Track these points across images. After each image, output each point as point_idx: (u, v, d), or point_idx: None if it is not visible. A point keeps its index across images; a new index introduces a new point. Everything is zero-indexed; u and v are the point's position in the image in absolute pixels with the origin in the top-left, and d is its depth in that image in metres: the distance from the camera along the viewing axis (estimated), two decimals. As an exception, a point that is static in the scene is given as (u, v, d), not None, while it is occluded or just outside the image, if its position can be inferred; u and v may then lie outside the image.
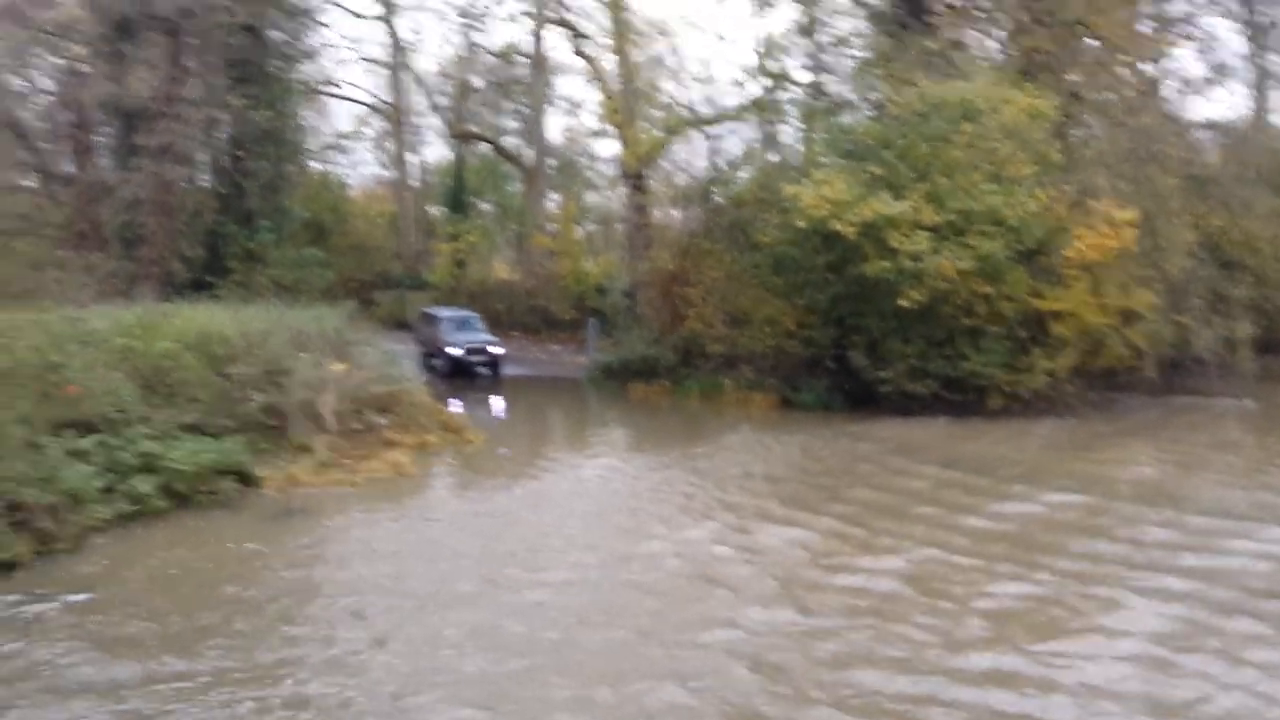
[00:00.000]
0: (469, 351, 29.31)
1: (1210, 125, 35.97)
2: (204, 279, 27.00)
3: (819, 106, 34.40)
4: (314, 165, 44.59)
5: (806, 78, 35.58)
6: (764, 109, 36.45)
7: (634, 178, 36.65)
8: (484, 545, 12.91)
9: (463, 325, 30.71)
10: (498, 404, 26.36)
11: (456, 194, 43.95)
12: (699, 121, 38.39)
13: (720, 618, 10.23)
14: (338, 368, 18.22)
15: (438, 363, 29.51)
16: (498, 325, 37.51)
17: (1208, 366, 24.83)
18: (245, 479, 15.59)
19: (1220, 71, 36.79)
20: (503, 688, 8.57)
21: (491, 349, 29.70)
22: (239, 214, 29.51)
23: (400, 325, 35.68)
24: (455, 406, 22.63)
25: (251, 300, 22.06)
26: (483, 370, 29.34)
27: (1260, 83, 41.16)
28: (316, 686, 8.64)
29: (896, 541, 12.87)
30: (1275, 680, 8.65)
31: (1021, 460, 18.06)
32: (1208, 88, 38.35)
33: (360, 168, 54.76)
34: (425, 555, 12.53)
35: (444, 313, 31.65)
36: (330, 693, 8.52)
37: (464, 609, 10.48)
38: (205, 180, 30.86)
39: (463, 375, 28.82)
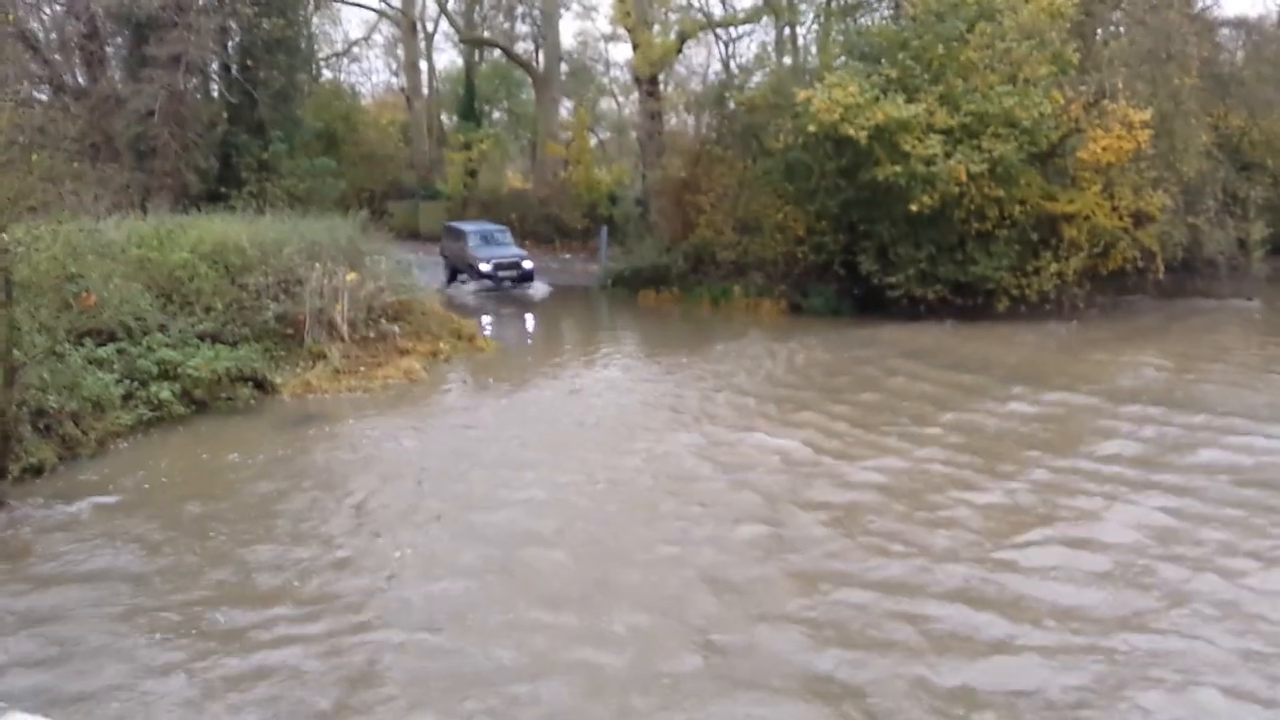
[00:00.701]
0: (499, 266, 28.18)
1: (1236, 23, 35.11)
2: (218, 190, 27.19)
3: (835, 7, 33.76)
4: (325, 74, 44.38)
5: (823, -23, 34.80)
6: (779, 11, 35.79)
7: (647, 83, 36.15)
8: (490, 450, 13.25)
9: (491, 239, 29.53)
10: (530, 321, 25.89)
11: (468, 102, 43.59)
12: (713, 24, 37.79)
13: (710, 514, 10.62)
14: (351, 277, 18.48)
15: (466, 278, 28.82)
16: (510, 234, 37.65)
17: (1218, 268, 24.81)
18: (262, 386, 16.06)
19: (1249, -34, 35.77)
20: (462, 596, 8.86)
21: (524, 263, 28.60)
22: (251, 124, 29.57)
23: (413, 235, 35.79)
24: (486, 324, 23.16)
25: (265, 210, 22.25)
26: (512, 285, 28.33)
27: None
28: (306, 585, 9.07)
29: (896, 442, 13.20)
30: (1248, 562, 9.03)
31: (1025, 362, 18.26)
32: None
33: (372, 76, 54.53)
34: (428, 463, 12.85)
35: (470, 227, 30.40)
36: (313, 590, 8.96)
37: (464, 515, 10.90)
38: (217, 91, 30.86)
39: (491, 289, 28.31)
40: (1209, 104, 26.32)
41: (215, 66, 30.25)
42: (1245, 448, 12.45)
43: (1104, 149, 22.10)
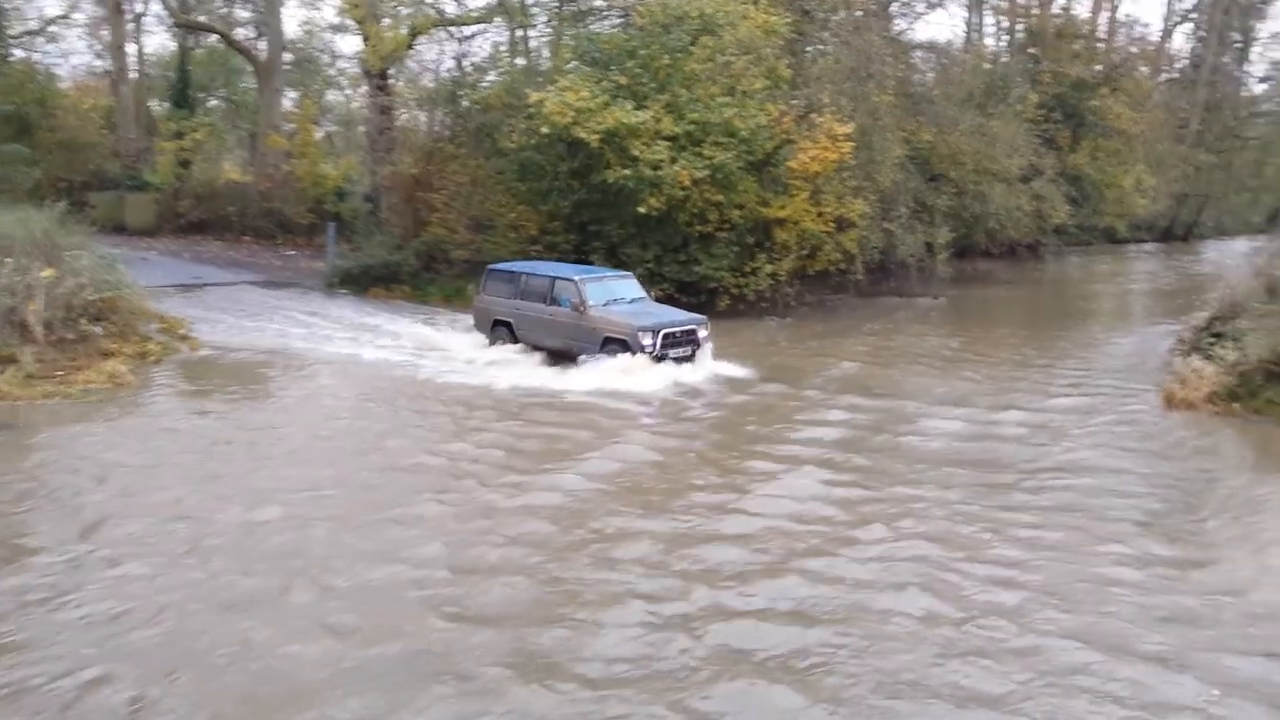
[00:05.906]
0: (668, 341, 17.70)
1: (928, 46, 38.84)
2: (-116, 176, 24.28)
3: (567, 12, 34.37)
4: (17, 53, 40.40)
5: (554, -19, 35.33)
6: (512, 12, 35.98)
7: (377, 77, 35.31)
8: (190, 461, 12.45)
9: (620, 295, 18.98)
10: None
11: (181, 89, 40.87)
12: (445, 21, 37.45)
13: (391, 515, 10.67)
14: (46, 273, 17.04)
15: (590, 351, 17.80)
16: (228, 230, 35.62)
17: (909, 270, 27.44)
18: (-61, 392, 14.52)
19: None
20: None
21: (700, 331, 18.41)
22: (-74, 104, 26.58)
23: (119, 229, 33.20)
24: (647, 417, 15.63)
25: (-58, 199, 20.08)
26: (684, 363, 17.71)
27: (973, 5, 44.69)
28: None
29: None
30: (897, 525, 10.36)
31: (745, 356, 19.42)
32: (929, 11, 41.38)
33: (71, 57, 50.13)
34: (124, 472, 11.89)
35: (570, 272, 19.49)
36: None
37: (164, 531, 10.38)
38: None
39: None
40: (903, 120, 28.99)
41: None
42: (928, 430, 13.96)
43: (812, 159, 23.82)
